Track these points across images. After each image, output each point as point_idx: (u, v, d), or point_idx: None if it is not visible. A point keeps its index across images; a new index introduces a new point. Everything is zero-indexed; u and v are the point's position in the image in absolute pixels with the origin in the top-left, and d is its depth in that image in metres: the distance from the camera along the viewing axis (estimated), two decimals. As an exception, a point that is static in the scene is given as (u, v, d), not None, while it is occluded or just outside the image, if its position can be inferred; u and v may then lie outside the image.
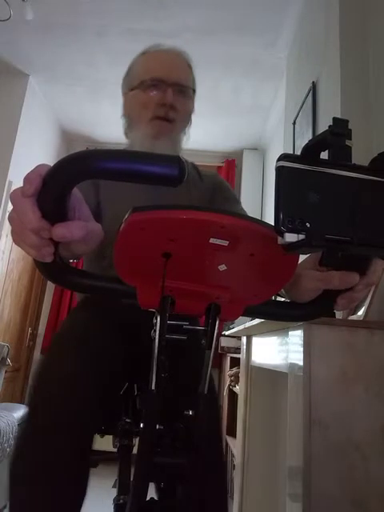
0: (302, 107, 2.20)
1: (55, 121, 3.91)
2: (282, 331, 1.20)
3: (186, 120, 1.01)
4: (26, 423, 0.75)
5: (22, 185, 0.39)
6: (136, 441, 0.92)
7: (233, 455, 2.21)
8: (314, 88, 2.03)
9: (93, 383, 0.78)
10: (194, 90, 1.00)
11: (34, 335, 3.81)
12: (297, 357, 0.98)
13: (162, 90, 0.93)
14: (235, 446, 2.07)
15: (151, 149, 0.90)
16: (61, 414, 0.72)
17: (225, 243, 0.42)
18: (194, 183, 1.03)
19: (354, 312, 1.22)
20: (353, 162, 0.37)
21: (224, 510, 0.79)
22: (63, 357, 0.83)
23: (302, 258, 0.46)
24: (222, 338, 3.11)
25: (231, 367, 2.81)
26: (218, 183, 1.08)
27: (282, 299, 0.57)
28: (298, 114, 2.27)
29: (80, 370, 0.79)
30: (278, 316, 0.56)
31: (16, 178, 3.16)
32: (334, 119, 0.35)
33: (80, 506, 0.72)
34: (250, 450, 1.78)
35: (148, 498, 0.47)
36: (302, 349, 0.93)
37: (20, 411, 2.19)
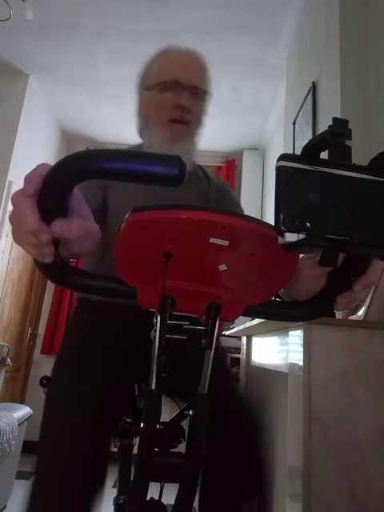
0: (301, 107, 2.20)
1: (55, 121, 3.90)
2: (282, 331, 1.20)
3: (200, 122, 1.01)
4: (41, 428, 0.80)
5: (22, 185, 0.39)
6: (136, 441, 0.92)
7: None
8: (313, 88, 2.03)
9: (97, 390, 0.81)
10: (209, 93, 1.00)
11: (34, 335, 3.80)
12: (297, 357, 0.97)
13: (178, 93, 0.93)
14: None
15: (169, 152, 0.90)
16: (68, 425, 0.76)
17: (225, 243, 0.42)
18: (202, 185, 1.04)
19: (354, 312, 1.22)
20: (353, 162, 0.37)
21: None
22: (68, 366, 0.87)
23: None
24: (221, 338, 3.10)
25: (231, 367, 2.81)
26: (224, 190, 1.09)
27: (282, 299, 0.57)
28: (298, 114, 2.27)
29: (82, 381, 0.82)
30: (278, 316, 0.56)
31: (16, 178, 3.16)
32: (334, 119, 0.36)
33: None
34: (249, 449, 1.78)
35: (148, 498, 0.47)
36: (302, 349, 0.93)
37: (20, 411, 2.19)
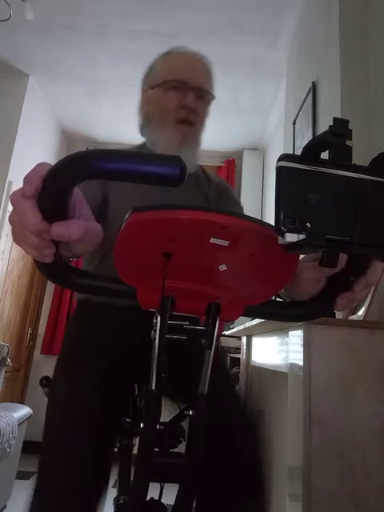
0: (301, 107, 2.20)
1: (55, 121, 3.90)
2: (282, 331, 1.20)
3: (203, 125, 1.01)
4: (44, 427, 0.80)
5: (21, 185, 0.39)
6: (136, 441, 0.92)
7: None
8: (313, 88, 2.03)
9: (97, 391, 0.81)
10: (213, 96, 1.00)
11: (34, 335, 3.80)
12: (297, 357, 0.97)
13: (183, 93, 0.92)
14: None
15: (177, 153, 0.90)
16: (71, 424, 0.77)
17: (225, 243, 0.42)
18: (203, 186, 1.03)
19: (354, 312, 1.22)
20: (353, 163, 0.37)
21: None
22: (69, 366, 0.87)
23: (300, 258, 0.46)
24: (221, 338, 3.10)
25: (231, 367, 2.80)
26: (224, 188, 1.09)
27: (282, 299, 0.57)
28: (298, 114, 2.27)
29: (83, 381, 0.82)
30: (278, 316, 0.56)
31: (16, 178, 3.16)
32: (334, 119, 0.36)
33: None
34: (249, 449, 1.78)
35: (148, 498, 0.47)
36: (302, 349, 0.93)
37: (20, 411, 2.19)
